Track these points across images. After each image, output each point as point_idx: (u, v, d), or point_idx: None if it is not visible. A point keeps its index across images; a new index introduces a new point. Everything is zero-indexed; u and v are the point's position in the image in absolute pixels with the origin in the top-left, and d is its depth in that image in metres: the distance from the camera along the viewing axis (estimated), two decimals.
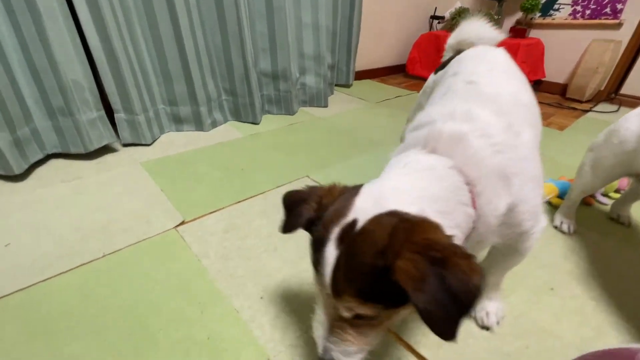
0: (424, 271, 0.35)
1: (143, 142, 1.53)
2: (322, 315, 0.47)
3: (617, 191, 1.32)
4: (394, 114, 2.09)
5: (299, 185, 1.30)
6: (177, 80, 1.59)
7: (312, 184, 1.30)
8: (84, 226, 1.00)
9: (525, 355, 0.70)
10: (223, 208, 1.12)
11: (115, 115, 1.46)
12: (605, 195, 1.30)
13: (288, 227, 0.51)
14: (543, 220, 0.59)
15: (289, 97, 1.97)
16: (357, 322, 0.45)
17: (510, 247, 0.61)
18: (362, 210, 0.43)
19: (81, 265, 0.86)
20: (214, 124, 1.79)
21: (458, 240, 0.45)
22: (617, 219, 1.17)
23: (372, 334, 0.47)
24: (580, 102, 2.57)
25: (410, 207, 0.43)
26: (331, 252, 0.41)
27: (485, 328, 0.75)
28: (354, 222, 0.42)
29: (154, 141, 1.58)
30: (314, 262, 0.45)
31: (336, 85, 2.59)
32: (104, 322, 0.72)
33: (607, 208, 1.23)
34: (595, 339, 0.74)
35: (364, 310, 0.41)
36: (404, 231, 0.39)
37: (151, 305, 0.76)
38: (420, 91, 1.11)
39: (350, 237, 0.41)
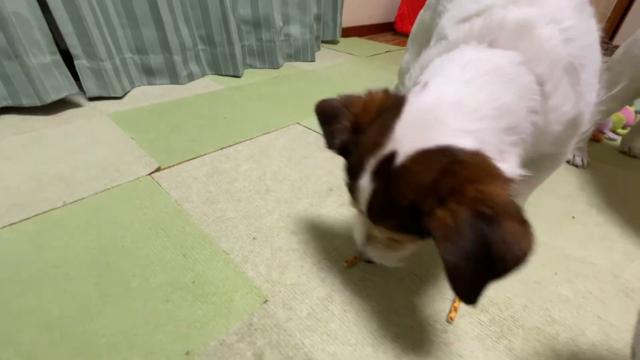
0: (463, 224, 0.30)
1: (112, 95, 1.35)
2: (361, 225, 0.48)
3: (624, 127, 1.26)
4: (385, 67, 1.95)
5: (289, 132, 1.19)
6: (145, 24, 1.40)
7: (302, 130, 1.19)
8: (40, 176, 0.86)
9: (555, 281, 0.63)
10: (205, 154, 0.99)
11: (76, 62, 1.26)
12: (613, 131, 1.23)
13: (327, 144, 0.46)
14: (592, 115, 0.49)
15: (272, 49, 1.80)
16: (390, 241, 0.45)
17: (552, 153, 0.52)
18: (404, 140, 0.35)
19: (36, 215, 0.73)
20: (191, 77, 1.61)
21: (518, 156, 0.38)
22: (628, 152, 1.11)
23: (404, 250, 0.47)
24: None
25: (469, 138, 0.34)
26: (366, 186, 0.37)
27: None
28: (391, 156, 0.35)
29: (125, 94, 1.40)
30: (349, 187, 0.42)
31: (323, 41, 2.41)
32: (65, 272, 0.60)
33: (617, 143, 1.17)
34: (628, 263, 0.68)
35: (398, 237, 0.41)
36: (454, 178, 0.32)
37: (122, 252, 0.64)
38: (423, 8, 0.98)
39: (388, 174, 0.36)
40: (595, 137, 1.19)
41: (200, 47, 1.64)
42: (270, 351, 0.49)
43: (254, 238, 0.69)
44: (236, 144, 1.06)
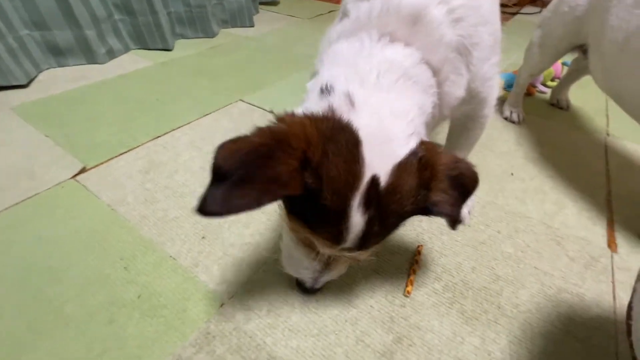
0: (451, 191, 0.38)
1: (13, 83, 1.14)
2: (313, 262, 0.45)
3: (553, 80, 1.34)
4: None
5: (232, 111, 1.10)
6: None
7: (246, 107, 1.11)
8: None
9: (498, 239, 0.67)
10: (138, 146, 0.88)
11: None
12: (544, 84, 1.31)
13: (248, 202, 0.31)
14: (497, 88, 0.56)
15: (204, 15, 1.61)
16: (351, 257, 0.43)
17: (469, 117, 0.59)
18: (376, 163, 0.35)
19: None
20: (111, 54, 1.41)
21: (427, 129, 0.45)
22: (557, 104, 1.19)
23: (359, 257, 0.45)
24: (508, 6, 2.57)
25: (414, 137, 0.38)
26: (359, 219, 0.36)
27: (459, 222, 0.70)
28: (374, 181, 0.35)
29: (30, 81, 1.19)
30: (324, 231, 0.38)
31: (261, 3, 2.22)
32: None
33: (547, 96, 1.25)
34: (558, 213, 0.74)
35: (376, 248, 0.41)
36: (427, 169, 0.38)
37: (50, 274, 0.57)
38: None
39: (378, 198, 0.36)
40: (529, 92, 1.26)
41: (117, 17, 1.42)
42: (231, 357, 0.47)
43: (203, 237, 0.64)
44: (173, 130, 0.96)
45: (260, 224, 0.68)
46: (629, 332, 0.39)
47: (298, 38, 1.71)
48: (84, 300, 0.53)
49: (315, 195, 0.34)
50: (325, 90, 0.39)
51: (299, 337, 0.50)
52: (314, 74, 0.47)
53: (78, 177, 0.77)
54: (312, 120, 0.36)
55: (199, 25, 1.64)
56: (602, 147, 0.97)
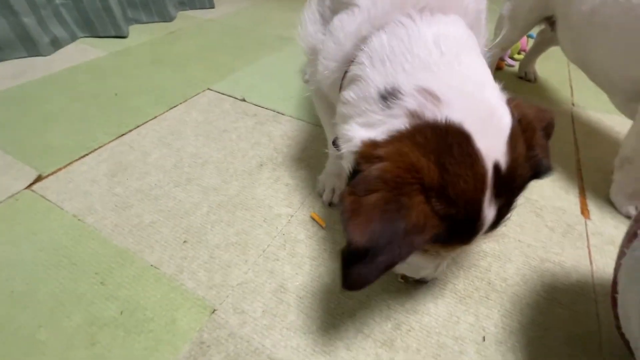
0: (546, 143, 0.39)
1: None
2: (436, 263, 0.44)
3: (519, 53, 1.36)
4: (298, 8, 1.77)
5: (200, 101, 1.02)
6: None
7: (215, 97, 1.04)
8: None
9: None
10: (100, 147, 0.81)
11: None
12: (511, 57, 1.34)
13: (394, 262, 0.31)
14: None
15: None
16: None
17: None
18: (494, 149, 0.33)
19: None
20: (56, 44, 1.27)
21: None
22: (525, 77, 1.22)
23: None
24: None
25: (501, 100, 0.36)
26: (491, 214, 0.34)
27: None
28: (497, 169, 0.33)
29: None
30: (458, 240, 0.36)
31: None
32: None
33: (515, 69, 1.28)
34: (534, 184, 0.76)
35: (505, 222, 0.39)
36: (527, 131, 0.36)
37: (14, 299, 0.51)
38: None
39: (504, 183, 0.34)
40: (499, 66, 1.28)
41: (58, 1, 1.27)
42: None
43: (185, 241, 0.61)
44: (138, 127, 0.88)
45: (245, 221, 0.65)
46: (614, 304, 0.41)
47: (264, 19, 1.62)
48: (59, 324, 0.49)
49: (450, 217, 0.32)
50: (390, 96, 0.35)
51: (298, 336, 0.48)
52: (351, 80, 0.42)
53: (34, 187, 0.70)
54: (406, 141, 0.32)
55: (153, 8, 1.51)
56: (569, 117, 1.01)
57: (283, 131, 0.89)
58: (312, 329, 0.49)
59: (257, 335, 0.48)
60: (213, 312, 0.51)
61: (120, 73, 1.13)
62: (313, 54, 0.50)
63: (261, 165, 0.78)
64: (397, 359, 0.46)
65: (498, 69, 1.27)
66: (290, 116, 0.95)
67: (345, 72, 0.44)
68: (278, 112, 0.96)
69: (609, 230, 0.67)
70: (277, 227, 0.64)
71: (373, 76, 0.38)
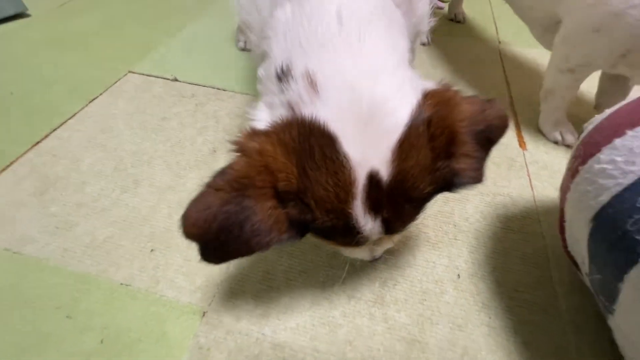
0: (479, 151, 0.33)
1: None
2: (367, 251, 0.41)
3: None
4: None
5: (125, 88, 0.89)
6: None
7: (141, 80, 0.91)
8: None
9: None
10: (13, 162, 0.68)
11: None
12: (441, 0, 1.35)
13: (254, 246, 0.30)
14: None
15: None
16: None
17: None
18: (370, 156, 0.29)
19: None
20: None
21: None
22: (455, 18, 1.25)
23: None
24: None
25: (404, 92, 0.31)
26: (372, 225, 0.32)
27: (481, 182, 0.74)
28: (373, 179, 0.29)
29: None
30: (344, 241, 0.35)
31: None
32: None
33: (445, 11, 1.30)
34: None
35: (408, 228, 0.38)
36: (441, 134, 0.31)
37: None
38: None
39: (387, 196, 0.30)
40: None
41: None
42: None
43: (152, 250, 0.56)
44: (55, 129, 0.75)
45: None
46: (562, 231, 0.47)
47: None
48: None
49: (311, 222, 0.30)
50: (283, 75, 0.32)
51: (295, 316, 0.50)
52: (261, 56, 0.38)
53: None
54: (274, 136, 0.29)
55: None
56: (497, 54, 1.08)
57: (229, 109, 0.82)
58: (307, 306, 0.51)
59: (254, 326, 0.49)
60: (203, 315, 0.49)
61: (8, 65, 0.92)
62: (246, 28, 0.45)
63: (214, 151, 0.72)
64: (389, 313, 0.50)
65: None
66: (233, 91, 0.88)
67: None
68: (218, 89, 0.88)
69: (542, 157, 0.76)
70: None
71: (275, 51, 0.35)
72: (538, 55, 1.05)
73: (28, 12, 1.12)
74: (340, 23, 0.32)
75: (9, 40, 1.01)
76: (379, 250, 0.42)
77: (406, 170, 0.30)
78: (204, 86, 0.88)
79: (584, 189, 0.40)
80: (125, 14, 1.17)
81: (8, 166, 0.67)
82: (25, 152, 0.70)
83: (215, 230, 0.29)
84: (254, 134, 0.31)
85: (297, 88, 0.31)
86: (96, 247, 0.56)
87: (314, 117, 0.29)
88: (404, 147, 0.29)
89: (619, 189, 0.35)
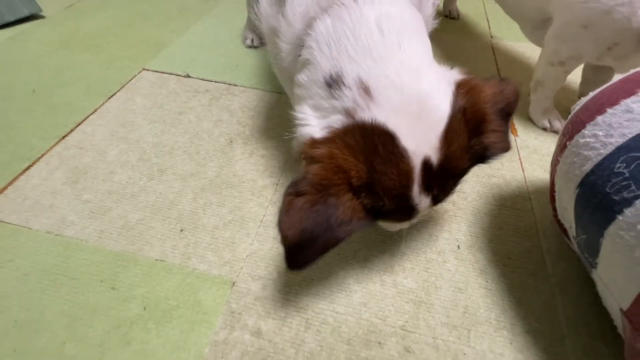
0: (502, 124, 0.39)
1: None
2: (408, 224, 0.48)
3: None
4: None
5: (140, 85, 0.93)
6: None
7: (155, 77, 0.96)
8: None
9: None
10: (43, 155, 0.73)
11: None
12: None
13: (327, 248, 0.37)
14: None
15: None
16: None
17: None
18: (423, 146, 0.35)
19: None
20: None
21: None
22: (449, 15, 1.31)
23: None
24: None
25: (442, 86, 0.37)
26: (424, 201, 0.38)
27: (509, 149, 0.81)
28: (426, 164, 0.36)
29: None
30: (398, 218, 0.42)
31: None
32: None
33: (440, 8, 1.36)
34: None
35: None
36: (474, 118, 0.38)
37: (20, 327, 0.49)
38: None
39: (436, 175, 0.37)
40: None
41: None
42: (264, 323, 0.51)
43: (182, 230, 0.62)
44: (79, 124, 0.80)
45: (234, 198, 0.67)
46: (552, 200, 0.54)
47: None
48: (84, 336, 0.49)
49: (381, 207, 0.36)
50: (334, 84, 0.37)
51: (315, 284, 0.56)
52: (303, 63, 0.43)
53: None
54: (339, 141, 0.35)
55: None
56: (490, 49, 1.15)
57: (241, 103, 0.88)
58: (325, 275, 0.57)
59: (279, 293, 0.54)
60: (233, 284, 0.55)
61: (27, 65, 0.96)
62: (272, 35, 0.50)
63: (231, 141, 0.78)
64: (398, 279, 0.57)
65: None
66: (244, 86, 0.93)
67: (299, 55, 0.45)
68: (230, 84, 0.93)
69: (532, 142, 0.82)
70: (267, 197, 0.67)
71: (320, 60, 0.39)
72: (528, 49, 1.11)
73: (42, 13, 1.15)
74: (382, 33, 0.37)
75: (25, 40, 1.05)
76: (417, 220, 0.48)
77: (451, 153, 0.36)
78: (216, 82, 0.94)
79: (571, 161, 0.47)
80: (134, 13, 1.21)
81: (39, 158, 0.72)
82: (53, 146, 0.75)
83: (310, 227, 0.34)
84: (315, 142, 0.36)
85: (351, 95, 0.36)
86: (130, 228, 0.61)
87: (374, 120, 0.35)
88: (448, 134, 0.36)
89: (599, 158, 0.42)
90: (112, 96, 0.88)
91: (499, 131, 0.39)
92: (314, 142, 0.37)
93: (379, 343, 0.50)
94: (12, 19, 1.10)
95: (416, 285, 0.56)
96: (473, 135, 0.38)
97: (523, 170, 0.76)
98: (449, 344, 0.50)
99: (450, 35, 1.21)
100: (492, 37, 1.21)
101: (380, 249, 0.60)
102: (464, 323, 0.52)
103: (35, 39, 1.06)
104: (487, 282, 0.57)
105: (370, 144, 0.35)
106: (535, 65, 0.86)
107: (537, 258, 0.60)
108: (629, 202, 0.37)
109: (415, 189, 0.37)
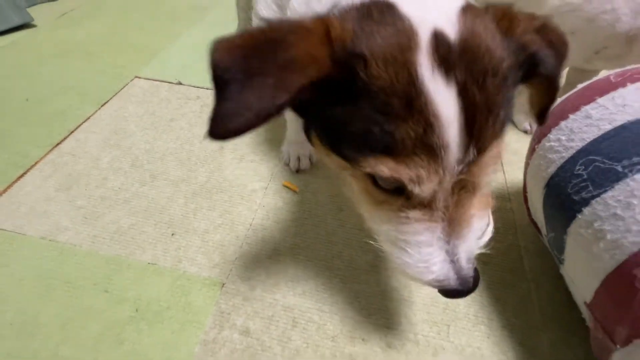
0: (547, 48, 0.29)
1: None
2: (434, 232, 0.29)
3: None
4: None
5: (132, 92, 0.96)
6: None
7: (147, 85, 0.98)
8: None
9: None
10: (37, 163, 0.75)
11: None
12: None
13: (262, 101, 0.24)
14: None
15: None
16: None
17: None
18: (433, 16, 0.26)
19: None
20: None
21: None
22: None
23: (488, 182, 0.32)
24: None
25: None
26: (445, 95, 0.24)
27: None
28: (439, 36, 0.25)
29: None
30: (408, 143, 0.25)
31: None
32: None
33: None
34: None
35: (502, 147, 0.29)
36: (503, 17, 0.28)
37: (15, 330, 0.51)
38: None
39: (458, 55, 0.25)
40: None
41: None
42: (252, 322, 0.53)
43: (173, 234, 0.64)
44: (72, 132, 0.82)
45: (224, 203, 0.69)
46: (525, 200, 0.57)
47: None
48: (78, 337, 0.51)
49: (362, 79, 0.25)
50: None
51: (301, 284, 0.58)
52: None
53: None
54: (330, 20, 0.26)
55: None
56: None
57: None
58: (311, 275, 0.59)
59: (267, 293, 0.57)
60: (223, 286, 0.57)
61: (20, 74, 0.98)
62: None
63: (221, 147, 0.80)
64: (381, 279, 0.59)
65: None
66: None
67: None
68: None
69: (513, 145, 0.85)
70: (255, 201, 0.70)
71: None
72: None
73: (34, 22, 1.17)
74: None
75: (18, 49, 1.06)
76: (470, 253, 0.32)
77: (475, 32, 0.26)
78: (207, 89, 0.96)
79: (538, 163, 0.50)
80: (125, 22, 1.23)
81: (33, 166, 0.74)
82: (47, 154, 0.77)
83: (244, 55, 0.25)
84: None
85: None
86: (122, 233, 0.63)
87: None
88: (470, 13, 0.27)
89: (562, 161, 0.45)
90: (104, 104, 0.90)
91: (542, 44, 0.29)
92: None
93: (363, 339, 0.52)
94: (3, 28, 1.11)
95: (398, 284, 0.58)
96: (507, 34, 0.28)
97: (504, 172, 0.79)
98: (429, 339, 0.52)
99: None
100: None
101: (364, 249, 0.63)
102: (444, 319, 0.55)
103: (28, 48, 1.08)
104: None
105: (364, 11, 0.27)
106: None
107: (515, 256, 0.63)
108: (586, 202, 0.39)
109: (425, 59, 0.25)
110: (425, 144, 0.25)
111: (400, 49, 0.25)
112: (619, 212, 0.36)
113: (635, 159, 0.36)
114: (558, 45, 0.31)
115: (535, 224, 0.57)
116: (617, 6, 0.62)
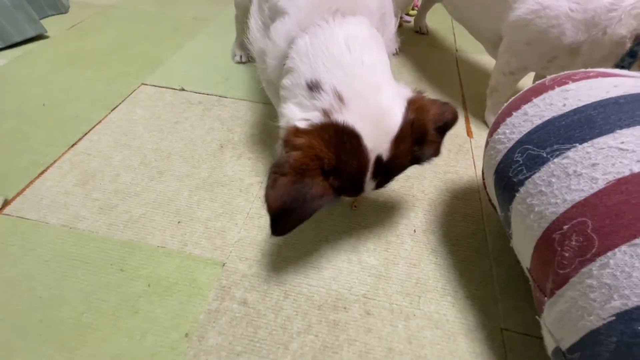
0: (439, 138, 0.55)
1: None
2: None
3: (413, 9, 1.59)
4: None
5: (140, 98, 1.04)
6: None
7: (153, 91, 1.07)
8: None
9: None
10: (56, 161, 0.83)
11: None
12: (407, 14, 1.55)
13: (304, 217, 0.48)
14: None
15: None
16: None
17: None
18: (379, 145, 0.47)
19: None
20: None
21: None
22: (420, 31, 1.45)
23: None
24: None
25: (397, 101, 0.49)
26: (371, 185, 0.51)
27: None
28: (378, 159, 0.48)
29: None
30: (351, 193, 0.53)
31: None
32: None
33: (411, 25, 1.50)
34: None
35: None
36: (418, 130, 0.50)
37: (45, 303, 0.59)
38: None
39: (383, 168, 0.49)
40: (399, 23, 1.49)
41: None
42: (249, 295, 0.61)
43: (179, 222, 0.72)
44: (85, 134, 0.91)
45: (224, 195, 0.78)
46: (484, 186, 0.65)
47: (169, 0, 1.57)
48: (99, 308, 0.59)
49: (344, 187, 0.49)
50: (315, 87, 0.47)
51: (293, 263, 0.66)
52: (287, 71, 0.54)
53: (6, 211, 0.72)
54: (316, 134, 0.46)
55: (42, 0, 1.36)
56: (454, 61, 1.28)
57: (231, 113, 0.99)
58: (301, 255, 0.68)
59: (263, 271, 0.65)
60: (223, 265, 0.65)
61: (36, 81, 1.07)
62: (261, 55, 0.62)
63: (221, 147, 0.89)
64: (362, 258, 0.68)
65: (399, 26, 1.48)
66: (233, 98, 1.04)
67: (284, 65, 0.57)
68: (220, 96, 1.05)
69: (484, 142, 0.94)
70: (252, 194, 0.78)
71: (302, 67, 0.51)
72: (487, 61, 1.25)
73: (47, 34, 1.26)
74: (349, 51, 0.48)
75: (33, 59, 1.15)
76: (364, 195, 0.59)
77: (397, 153, 0.48)
78: (208, 94, 1.05)
79: (490, 154, 0.58)
80: (132, 33, 1.32)
81: (52, 164, 0.82)
82: (64, 153, 0.85)
83: (290, 201, 0.45)
84: (298, 131, 0.46)
85: (328, 99, 0.47)
86: (134, 221, 0.72)
87: (345, 122, 0.46)
88: (398, 139, 0.48)
89: (505, 150, 0.53)
90: (114, 108, 0.99)
91: (435, 142, 0.53)
92: (296, 131, 0.47)
93: (345, 308, 0.60)
94: (19, 39, 1.20)
95: (377, 263, 0.67)
96: (415, 143, 0.51)
97: (475, 167, 0.88)
98: (402, 308, 0.61)
99: (420, 48, 1.35)
100: (457, 50, 1.34)
101: (348, 234, 0.71)
102: (416, 291, 0.63)
103: (42, 57, 1.17)
104: (437, 259, 0.68)
105: (340, 139, 0.46)
106: (491, 74, 0.99)
107: (480, 238, 0.72)
108: (521, 183, 0.48)
109: (368, 176, 0.50)
110: (359, 193, 0.54)
111: (360, 175, 0.49)
112: (543, 189, 0.45)
113: (555, 146, 0.45)
114: (447, 127, 0.56)
115: (494, 206, 0.66)
116: (562, 22, 0.72)
